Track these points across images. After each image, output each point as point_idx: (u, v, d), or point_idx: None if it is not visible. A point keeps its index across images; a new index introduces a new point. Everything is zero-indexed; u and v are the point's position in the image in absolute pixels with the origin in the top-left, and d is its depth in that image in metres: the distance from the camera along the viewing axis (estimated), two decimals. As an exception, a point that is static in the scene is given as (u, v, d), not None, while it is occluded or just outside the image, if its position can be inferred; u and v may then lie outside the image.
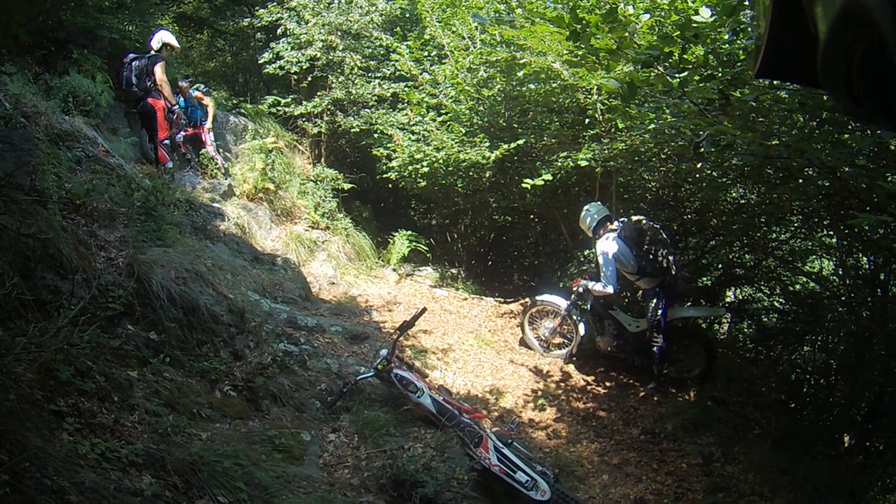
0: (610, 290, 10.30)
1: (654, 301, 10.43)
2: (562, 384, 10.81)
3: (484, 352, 11.28)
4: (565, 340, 11.66)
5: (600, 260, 10.37)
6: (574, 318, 11.19)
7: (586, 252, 12.54)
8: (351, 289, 12.79)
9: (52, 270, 6.13)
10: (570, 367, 11.28)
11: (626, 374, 11.37)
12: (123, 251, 7.33)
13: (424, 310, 8.50)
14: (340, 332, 9.86)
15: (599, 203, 10.97)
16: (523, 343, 11.81)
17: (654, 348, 10.56)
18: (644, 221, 10.59)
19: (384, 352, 7.87)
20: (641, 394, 10.87)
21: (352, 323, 10.62)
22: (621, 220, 10.78)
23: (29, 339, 4.93)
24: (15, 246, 5.74)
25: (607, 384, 11.07)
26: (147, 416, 5.53)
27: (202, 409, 6.18)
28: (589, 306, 11.25)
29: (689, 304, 12.24)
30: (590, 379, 11.12)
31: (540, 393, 10.36)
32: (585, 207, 10.83)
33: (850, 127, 7.00)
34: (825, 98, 6.15)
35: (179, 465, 5.01)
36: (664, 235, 10.47)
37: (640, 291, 10.95)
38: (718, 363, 11.33)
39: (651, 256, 10.23)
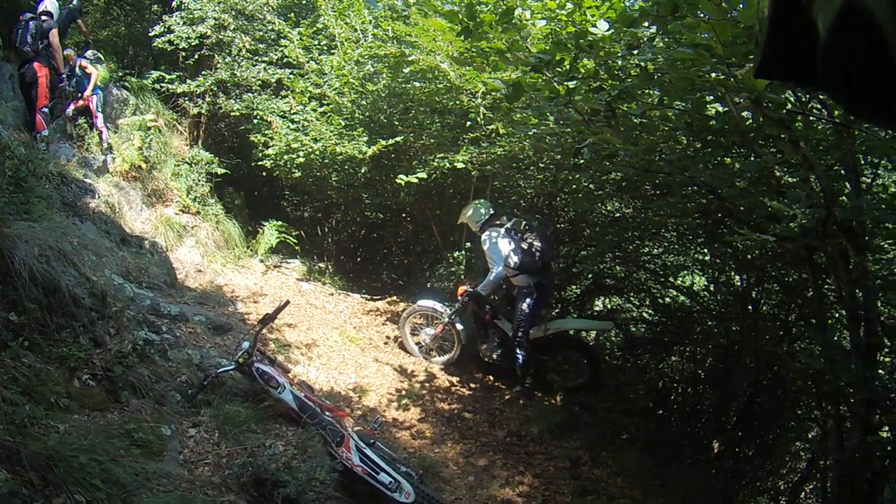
0: (499, 270, 10.49)
1: (524, 301, 10.58)
2: (426, 384, 10.85)
3: (348, 349, 11.24)
4: (446, 347, 11.70)
5: (486, 247, 10.57)
6: (456, 325, 11.25)
7: (456, 254, 12.58)
8: (217, 277, 12.61)
9: None
10: (435, 368, 11.35)
11: (492, 377, 11.52)
12: (-13, 223, 7.11)
13: (287, 303, 8.47)
14: (204, 322, 9.67)
15: (489, 201, 11.10)
16: (402, 347, 11.80)
17: (518, 351, 10.74)
18: (533, 219, 10.86)
19: (246, 345, 7.73)
20: (507, 396, 11.01)
21: (216, 313, 10.44)
22: (509, 218, 10.96)
23: None
24: None
25: (472, 386, 11.17)
26: (4, 406, 5.28)
27: (60, 399, 5.93)
28: (473, 314, 11.37)
29: (574, 315, 12.52)
30: (454, 380, 11.19)
31: (404, 392, 10.37)
32: (475, 203, 10.99)
33: (734, 151, 7.25)
34: (711, 121, 6.34)
35: (35, 460, 4.79)
36: (548, 234, 10.78)
37: (514, 291, 10.99)
38: (601, 373, 11.57)
39: (534, 252, 10.38)
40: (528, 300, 10.61)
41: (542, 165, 11.70)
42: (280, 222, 15.01)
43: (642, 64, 6.12)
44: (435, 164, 10.93)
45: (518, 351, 10.78)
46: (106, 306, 7.44)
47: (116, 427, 6.14)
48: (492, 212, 10.84)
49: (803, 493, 12.33)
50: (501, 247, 10.50)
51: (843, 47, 1.08)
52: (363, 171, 13.03)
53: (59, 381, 6.14)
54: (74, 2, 13.86)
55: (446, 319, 11.14)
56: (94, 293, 7.34)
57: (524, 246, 10.44)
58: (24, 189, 8.58)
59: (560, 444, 9.86)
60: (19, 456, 4.78)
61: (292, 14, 15.00)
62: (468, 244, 12.63)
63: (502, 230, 10.62)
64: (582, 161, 8.13)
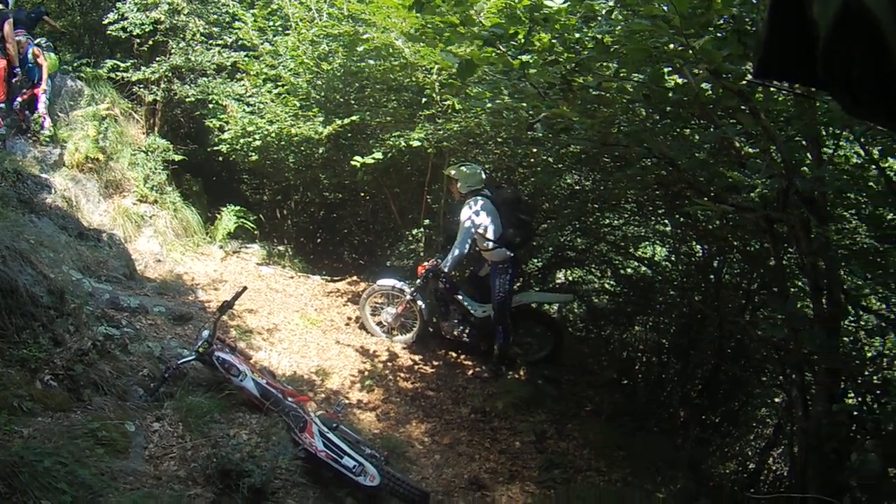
0: (457, 252, 10.50)
1: (501, 277, 10.58)
2: (389, 364, 10.88)
3: (310, 332, 11.27)
4: (407, 325, 11.74)
5: (464, 218, 10.50)
6: (418, 303, 11.29)
7: (415, 231, 12.62)
8: (177, 266, 12.52)
9: None
10: (397, 347, 11.37)
11: (454, 354, 11.58)
12: (-58, 225, 7.11)
13: (245, 289, 8.36)
14: (164, 313, 9.65)
15: (481, 168, 11.00)
16: (363, 328, 11.77)
17: (499, 329, 10.80)
18: (517, 191, 11.05)
19: (205, 333, 7.66)
20: (469, 373, 11.07)
21: (176, 303, 10.40)
22: (497, 186, 11.08)
23: None
24: None
25: (435, 363, 11.20)
26: (-32, 414, 5.36)
27: (23, 403, 5.93)
28: (434, 291, 11.39)
29: (536, 289, 12.61)
30: (417, 359, 11.22)
31: (367, 373, 10.38)
32: (474, 166, 10.89)
33: (693, 123, 7.33)
34: (669, 93, 6.42)
35: (1, 468, 4.83)
36: (532, 211, 10.92)
37: (485, 269, 11.09)
38: (564, 345, 11.72)
39: (519, 225, 10.41)
40: (505, 276, 10.63)
41: (499, 140, 11.72)
42: (238, 207, 14.93)
43: (599, 36, 6.09)
44: (391, 143, 10.94)
45: (499, 329, 10.86)
46: (64, 303, 7.41)
47: (80, 427, 6.13)
48: (482, 183, 10.78)
49: (771, 459, 12.53)
50: (479, 220, 10.45)
51: (843, 47, 1.13)
52: (320, 151, 13.03)
53: (20, 384, 6.15)
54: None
55: (408, 297, 11.19)
56: (52, 291, 7.30)
57: (511, 218, 10.45)
58: (-22, 189, 8.54)
59: (525, 419, 9.96)
60: (-16, 465, 4.78)
61: (247, -5, 14.88)
62: (426, 221, 12.68)
63: (481, 201, 10.58)
64: (538, 136, 8.21)
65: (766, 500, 8.91)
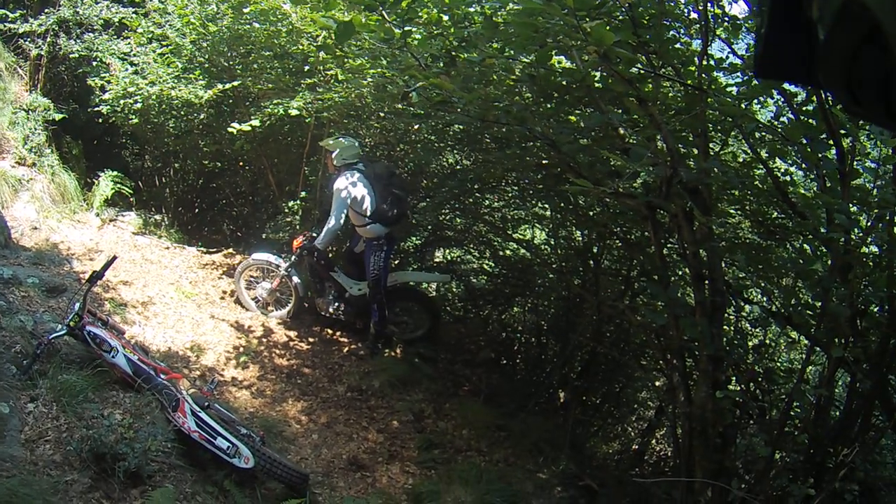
0: (332, 224, 10.48)
1: (376, 254, 10.68)
2: (264, 340, 10.93)
3: (185, 305, 11.18)
4: (283, 300, 11.77)
5: (336, 191, 10.48)
6: (293, 279, 11.31)
7: (291, 204, 12.55)
8: (53, 235, 12.17)
9: None
10: (272, 323, 11.40)
11: (330, 331, 11.67)
12: None
13: (115, 258, 8.21)
14: (37, 285, 9.34)
15: (356, 142, 10.99)
16: (238, 302, 11.76)
17: (373, 306, 10.88)
18: (393, 166, 11.15)
19: (76, 306, 7.47)
20: (345, 350, 11.21)
21: (50, 273, 10.13)
22: (371, 161, 11.06)
23: None
24: None
25: (310, 340, 11.29)
26: None
27: None
28: (309, 267, 11.42)
29: (414, 267, 12.72)
30: (292, 335, 11.30)
31: (242, 350, 10.42)
32: (349, 139, 10.83)
33: (579, 109, 7.49)
34: (556, 77, 6.56)
35: None
36: (406, 186, 10.98)
37: (361, 246, 11.13)
38: (441, 324, 11.91)
39: (392, 201, 10.48)
40: (379, 253, 10.71)
41: (381, 115, 11.68)
42: (116, 173, 14.60)
43: (488, 12, 6.18)
44: (269, 110, 10.87)
45: (373, 307, 10.94)
46: None
47: None
48: (357, 156, 10.77)
49: (654, 440, 12.89)
50: (354, 192, 10.47)
51: (843, 47, 1.14)
52: (201, 117, 12.95)
53: None
54: None
55: (282, 273, 11.23)
56: None
57: (385, 193, 10.50)
58: None
59: (402, 398, 10.17)
60: None
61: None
62: (303, 193, 12.62)
63: (358, 174, 10.61)
64: (411, 108, 8.28)
65: (652, 482, 9.15)
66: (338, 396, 10.02)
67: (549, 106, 7.36)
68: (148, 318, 10.38)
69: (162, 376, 7.56)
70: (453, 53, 6.26)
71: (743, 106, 6.01)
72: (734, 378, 7.59)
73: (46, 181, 13.39)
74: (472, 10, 6.51)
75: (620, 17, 5.55)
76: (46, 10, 14.25)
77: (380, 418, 9.75)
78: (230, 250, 13.91)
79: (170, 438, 6.93)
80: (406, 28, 6.18)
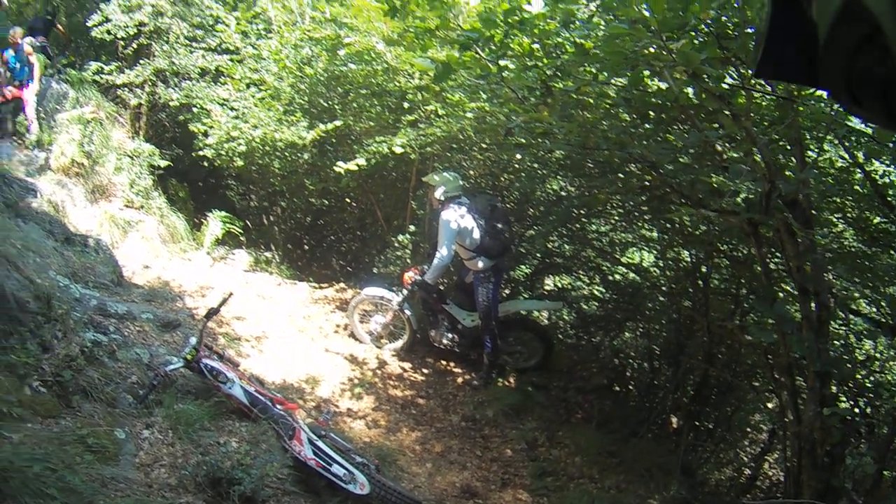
0: (441, 258, 10.40)
1: (484, 286, 10.63)
2: (378, 372, 10.93)
3: (298, 339, 11.25)
4: (396, 333, 11.76)
5: (442, 225, 10.42)
6: (406, 312, 11.28)
7: (400, 238, 12.70)
8: (164, 273, 12.49)
9: None
10: (387, 355, 11.39)
11: (444, 362, 11.62)
12: (-78, 229, 7.16)
13: (231, 294, 8.39)
14: (152, 320, 9.57)
15: (458, 175, 11.01)
16: (352, 336, 11.78)
17: (486, 337, 10.80)
18: (495, 199, 10.97)
19: (192, 340, 7.69)
20: (459, 380, 11.15)
21: (164, 309, 10.37)
22: (470, 196, 10.94)
23: None
24: None
25: (424, 371, 11.27)
26: (-46, 420, 5.38)
27: (12, 409, 5.92)
28: (421, 300, 11.43)
29: (525, 296, 12.65)
30: (406, 366, 11.28)
31: (356, 381, 10.44)
32: (449, 174, 10.87)
33: (675, 127, 7.31)
34: (650, 97, 6.50)
35: None
36: (509, 218, 10.90)
37: (471, 276, 11.08)
38: (554, 352, 11.78)
39: (495, 234, 10.42)
40: (487, 285, 10.65)
41: (483, 146, 11.80)
42: (224, 213, 14.94)
43: (578, 41, 6.17)
44: (374, 149, 10.88)
45: (486, 338, 10.86)
46: (52, 309, 7.43)
47: (70, 433, 6.16)
48: (459, 189, 10.76)
49: (767, 465, 12.60)
50: (462, 224, 10.43)
51: (843, 47, 1.13)
52: (305, 157, 13.10)
53: (9, 390, 6.17)
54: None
55: (395, 307, 11.19)
56: (39, 296, 7.33)
57: (487, 227, 10.46)
58: (-38, 193, 8.63)
59: (515, 426, 10.05)
60: (-28, 471, 4.82)
61: (230, -1, 14.98)
62: (412, 227, 12.70)
63: (464, 209, 10.57)
64: (517, 141, 8.26)
65: (760, 505, 8.95)
66: (452, 426, 9.97)
67: (646, 127, 7.29)
68: (262, 352, 10.51)
69: (278, 407, 7.66)
70: (549, 84, 6.25)
71: (833, 111, 5.84)
72: (842, 394, 7.37)
73: (155, 222, 13.84)
74: (560, 39, 6.48)
75: (706, 31, 5.45)
76: (142, 62, 14.87)
77: (493, 447, 9.66)
78: (341, 285, 14.00)
79: (285, 465, 7.01)
80: (501, 63, 6.24)
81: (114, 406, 7.10)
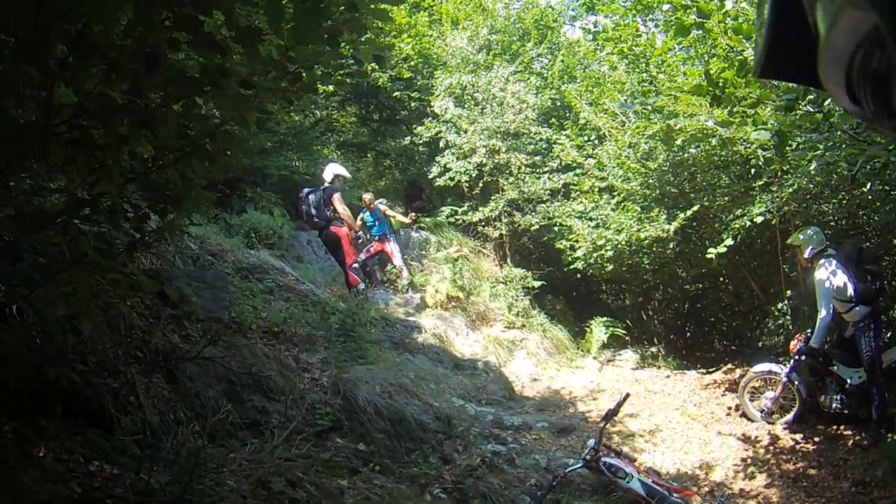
0: (823, 318, 10.19)
1: (866, 336, 10.26)
2: (770, 448, 10.78)
3: (691, 427, 11.37)
4: (786, 405, 11.53)
5: (818, 282, 10.28)
6: (795, 382, 11.11)
7: (779, 305, 12.62)
8: (553, 383, 13.10)
9: (259, 394, 6.94)
10: (778, 430, 11.18)
11: (834, 427, 11.21)
12: (326, 371, 8.26)
13: (628, 395, 8.58)
14: (546, 427, 10.23)
15: (819, 229, 10.83)
16: (744, 416, 11.66)
17: (873, 391, 10.37)
18: (859, 242, 10.85)
19: (592, 442, 7.91)
20: (849, 443, 10.69)
21: (557, 416, 10.95)
22: (837, 243, 10.88)
23: (243, 456, 5.64)
24: (224, 375, 6.59)
25: (815, 439, 10.94)
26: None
27: None
28: (808, 367, 11.17)
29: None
30: (797, 437, 11.01)
31: (749, 461, 10.37)
32: (810, 229, 10.71)
33: None
34: None
35: None
36: (877, 256, 10.72)
37: (850, 330, 10.66)
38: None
39: (868, 280, 10.16)
40: (869, 333, 10.28)
41: (833, 186, 11.57)
42: (605, 318, 15.50)
43: None
44: (737, 225, 11.13)
45: (873, 391, 10.41)
46: (451, 427, 8.39)
47: None
48: (825, 243, 10.55)
49: None
50: (835, 281, 10.20)
51: (843, 47, 1.10)
52: (671, 247, 13.49)
53: (410, 497, 6.93)
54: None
55: (784, 379, 11.05)
56: (438, 417, 8.34)
57: (858, 273, 10.20)
58: (353, 338, 9.96)
59: (907, 486, 9.65)
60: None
61: (553, 119, 16.14)
62: (788, 292, 12.55)
63: (834, 261, 10.35)
64: (860, 181, 8.09)
65: None
66: (842, 493, 9.55)
67: None
68: (656, 445, 10.78)
69: (675, 495, 7.87)
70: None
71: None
72: None
73: (538, 338, 14.74)
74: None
75: None
76: (493, 196, 16.21)
77: (882, 512, 9.26)
78: (729, 366, 13.97)
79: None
80: (823, 108, 6.31)
81: (511, 508, 7.74)
